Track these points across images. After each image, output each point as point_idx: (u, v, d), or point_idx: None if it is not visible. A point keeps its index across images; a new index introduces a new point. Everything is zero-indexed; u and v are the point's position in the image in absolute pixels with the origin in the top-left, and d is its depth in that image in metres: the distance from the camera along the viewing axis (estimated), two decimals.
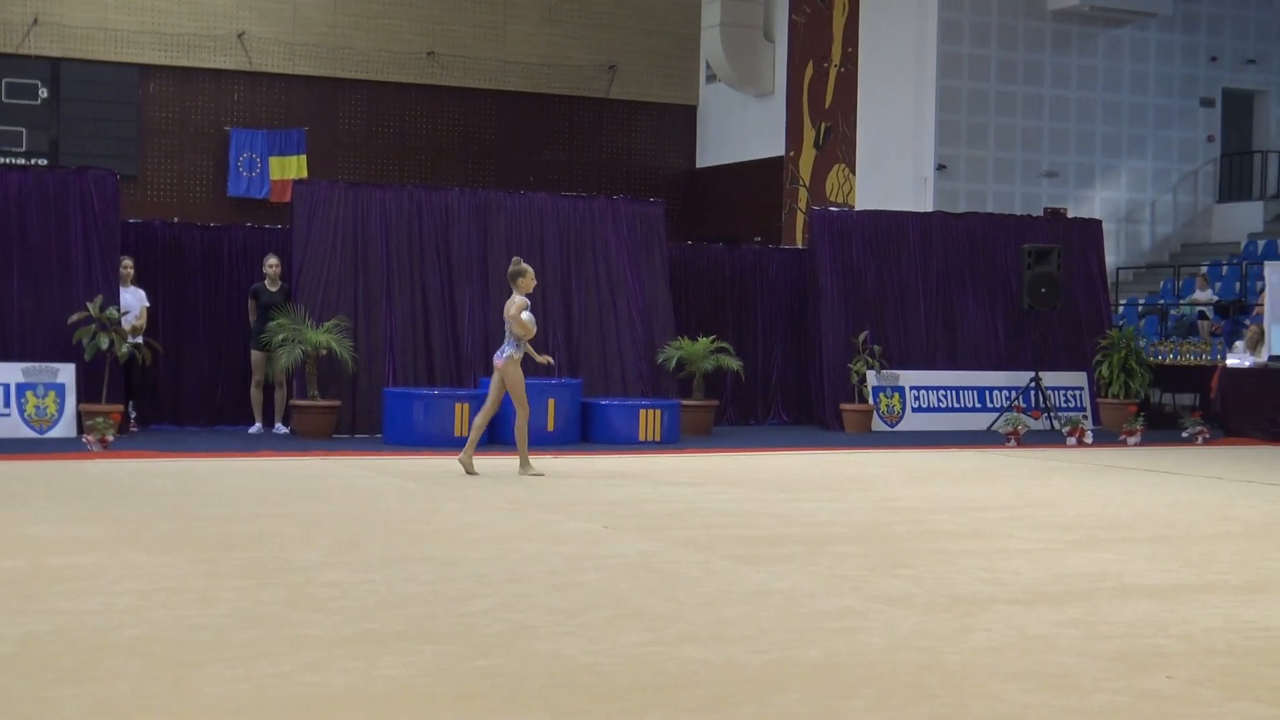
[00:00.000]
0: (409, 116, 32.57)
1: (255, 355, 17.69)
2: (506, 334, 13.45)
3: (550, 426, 17.08)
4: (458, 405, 16.71)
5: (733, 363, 19.36)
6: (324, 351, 17.17)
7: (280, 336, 17.09)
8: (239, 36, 31.02)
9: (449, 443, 16.34)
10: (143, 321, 17.40)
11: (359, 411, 17.82)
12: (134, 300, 17.37)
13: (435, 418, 16.66)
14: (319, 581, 7.65)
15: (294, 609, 6.91)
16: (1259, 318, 21.42)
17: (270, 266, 17.87)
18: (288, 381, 17.63)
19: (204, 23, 30.82)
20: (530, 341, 13.54)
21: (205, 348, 18.44)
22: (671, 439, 17.63)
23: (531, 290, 13.58)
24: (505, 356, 13.37)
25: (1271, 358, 19.91)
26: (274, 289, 17.83)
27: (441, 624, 6.66)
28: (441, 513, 10.76)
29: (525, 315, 13.36)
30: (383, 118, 32.34)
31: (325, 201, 18.28)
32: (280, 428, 17.73)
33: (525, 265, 13.70)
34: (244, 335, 18.06)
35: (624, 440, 17.25)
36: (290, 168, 30.61)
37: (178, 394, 18.30)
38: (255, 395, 17.84)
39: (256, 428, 17.75)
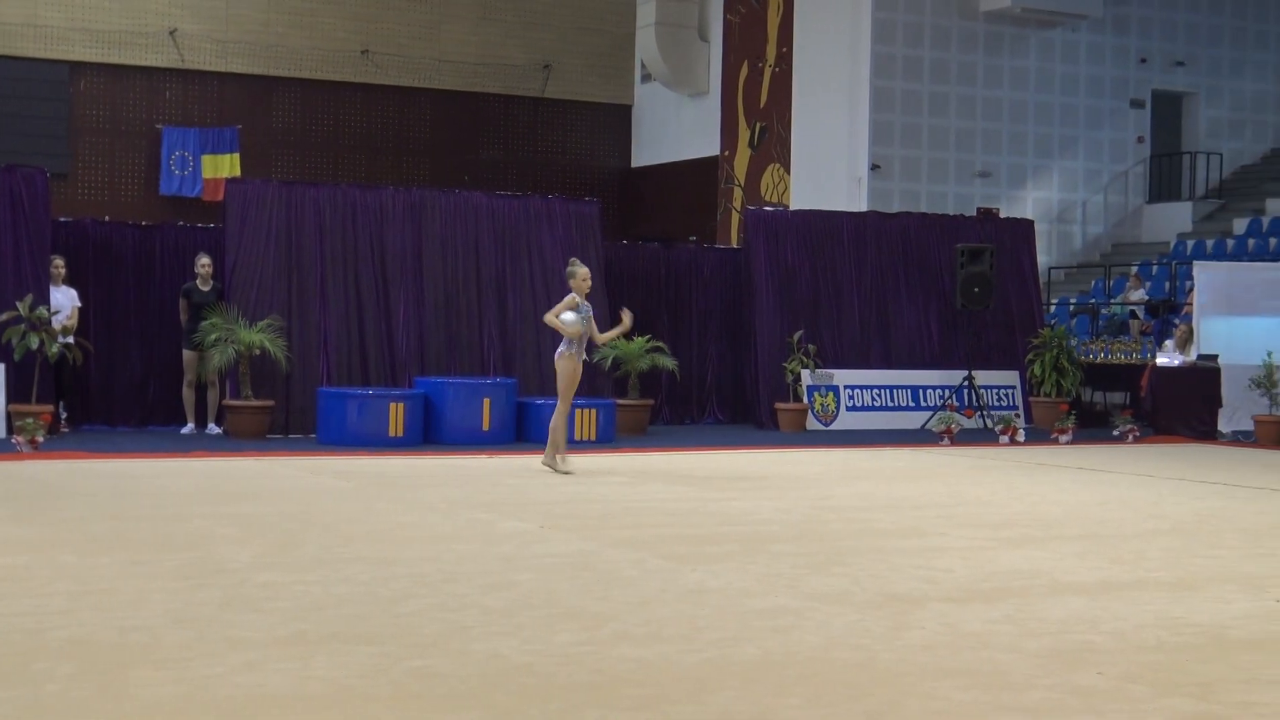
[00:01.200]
0: (343, 115, 32.43)
1: (187, 355, 17.56)
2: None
3: (485, 426, 17.06)
4: (392, 405, 16.65)
5: (668, 362, 19.39)
6: (257, 351, 17.07)
7: (213, 336, 16.98)
8: (171, 34, 30.79)
9: (383, 443, 16.31)
10: (73, 321, 17.23)
11: (293, 411, 17.72)
12: (65, 300, 17.20)
13: (369, 418, 16.59)
14: (253, 582, 7.60)
15: (227, 610, 6.87)
16: (1188, 317, 21.65)
17: (202, 266, 17.75)
18: (220, 381, 17.52)
19: (135, 20, 30.57)
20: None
21: (137, 348, 18.29)
22: (607, 438, 17.64)
23: (585, 290, 13.75)
24: (558, 352, 13.79)
25: (1201, 357, 20.12)
26: (206, 288, 17.71)
27: (376, 624, 6.63)
28: (376, 513, 10.72)
29: (566, 315, 13.57)
30: (317, 116, 32.19)
31: (258, 200, 18.17)
32: (213, 428, 17.61)
33: (574, 267, 13.94)
34: (176, 335, 17.91)
35: None
36: (223, 166, 30.42)
37: (109, 394, 18.14)
38: (188, 395, 17.70)
39: (189, 428, 17.62)
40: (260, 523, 9.98)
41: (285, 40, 31.70)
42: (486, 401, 17.15)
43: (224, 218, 18.40)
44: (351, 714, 5.20)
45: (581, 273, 13.80)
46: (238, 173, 29.51)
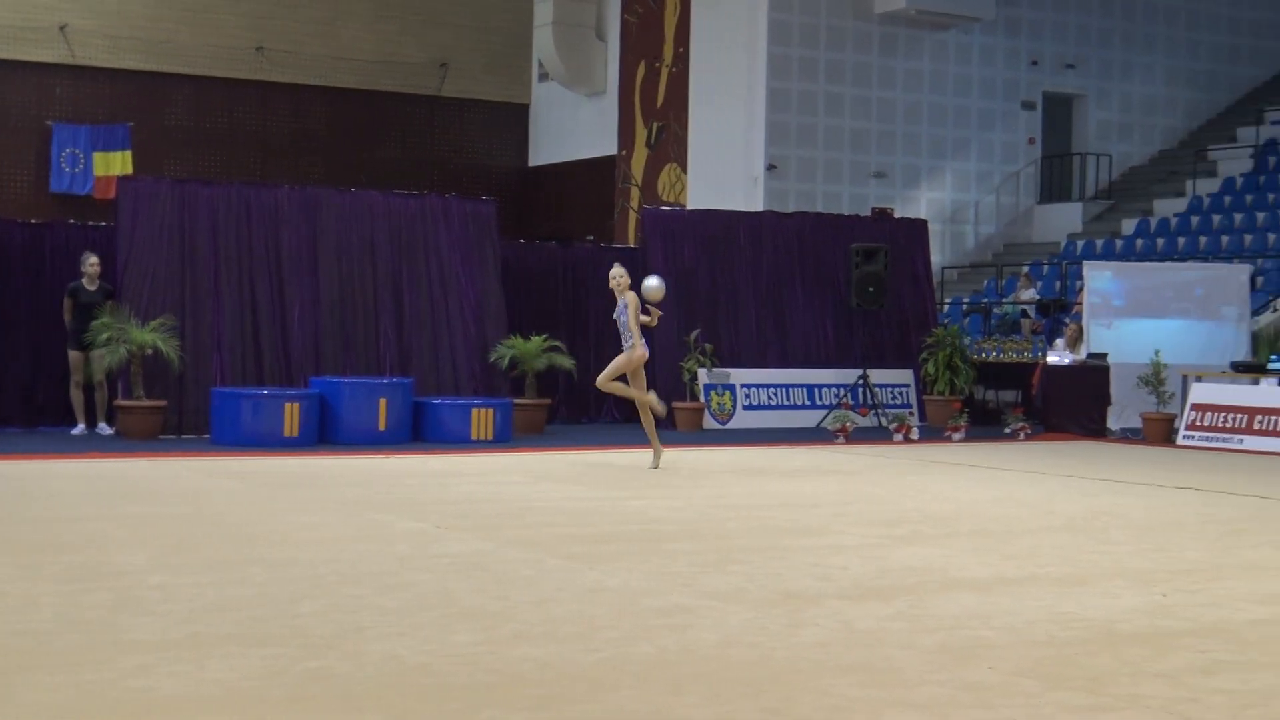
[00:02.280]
0: (237, 113, 32.10)
1: (74, 355, 17.30)
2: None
3: (381, 426, 16.97)
4: (287, 405, 16.52)
5: (565, 361, 19.37)
6: (150, 351, 16.88)
7: (105, 335, 16.77)
8: (61, 29, 30.32)
9: (278, 443, 16.19)
10: None
11: (186, 412, 17.54)
12: None
13: (264, 418, 16.45)
14: (145, 584, 7.52)
15: (119, 613, 6.79)
16: (1078, 316, 21.95)
17: (90, 265, 17.50)
18: (110, 381, 17.29)
19: (24, 14, 30.07)
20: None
21: (26, 347, 18.02)
22: (504, 438, 17.61)
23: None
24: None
25: (1090, 355, 20.41)
26: (93, 288, 17.47)
27: (272, 626, 6.58)
28: (272, 514, 10.64)
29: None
30: (210, 114, 31.83)
31: (151, 198, 17.96)
32: (104, 428, 17.37)
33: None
34: (66, 335, 17.64)
35: (456, 439, 17.20)
36: (115, 164, 30.00)
37: None
38: (76, 396, 17.45)
39: (80, 429, 17.37)
40: (153, 524, 9.87)
41: (178, 36, 31.32)
42: (382, 401, 17.06)
43: (116, 216, 18.18)
44: (246, 717, 5.16)
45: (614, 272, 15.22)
46: (130, 170, 29.12)
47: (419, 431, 17.48)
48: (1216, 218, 27.65)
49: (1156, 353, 19.44)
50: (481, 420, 17.47)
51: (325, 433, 16.90)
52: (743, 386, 20.82)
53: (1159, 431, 19.27)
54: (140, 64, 31.07)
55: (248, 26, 31.99)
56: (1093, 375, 20.15)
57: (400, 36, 33.48)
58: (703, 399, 20.32)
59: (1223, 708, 5.53)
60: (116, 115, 30.74)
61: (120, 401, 17.07)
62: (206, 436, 17.11)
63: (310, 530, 9.74)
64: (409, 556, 8.61)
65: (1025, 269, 27.70)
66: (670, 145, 30.02)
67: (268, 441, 16.18)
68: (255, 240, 18.36)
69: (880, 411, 20.93)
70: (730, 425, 20.45)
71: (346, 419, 16.98)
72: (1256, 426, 18.42)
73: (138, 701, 5.29)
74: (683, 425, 19.96)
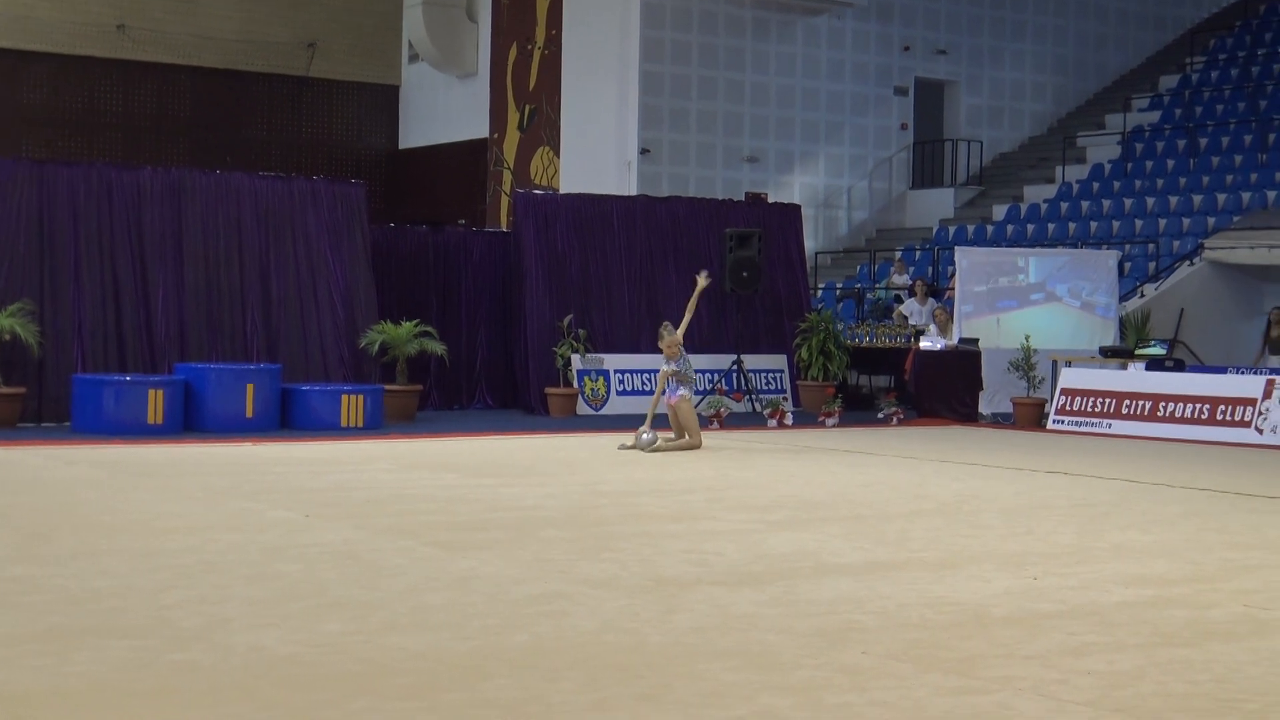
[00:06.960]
0: (98, 92, 31.48)
1: None
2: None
3: (249, 413, 16.72)
4: (151, 392, 16.22)
5: (436, 347, 19.22)
6: (7, 337, 16.50)
7: None
8: None
9: (141, 430, 15.91)
10: None
11: (45, 399, 17.16)
12: None
13: (127, 405, 16.14)
14: (3, 577, 7.34)
15: None
16: (950, 301, 22.17)
17: None
18: None
19: None
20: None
21: None
22: (374, 424, 17.43)
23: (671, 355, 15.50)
24: (680, 395, 15.52)
25: (962, 341, 20.62)
26: None
27: (136, 617, 6.44)
28: (135, 503, 10.44)
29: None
30: (70, 92, 31.19)
31: (8, 180, 17.54)
32: None
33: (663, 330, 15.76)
34: None
35: (326, 426, 17.00)
36: None
37: None
38: None
39: None
40: (12, 514, 9.65)
41: (36, 12, 30.65)
42: (250, 388, 16.81)
43: None
44: (111, 710, 5.03)
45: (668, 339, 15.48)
46: None
47: (287, 419, 17.24)
48: (1085, 204, 28.08)
49: (1026, 338, 19.68)
50: (351, 407, 17.27)
51: (190, 420, 16.62)
52: (616, 372, 20.78)
53: (1029, 416, 19.51)
54: None
55: (109, 4, 31.37)
56: (964, 360, 20.35)
57: (267, 16, 33.03)
58: (576, 384, 20.26)
59: (1091, 688, 5.59)
60: None
61: None
62: (67, 424, 16.76)
63: (175, 519, 9.56)
64: (277, 546, 8.48)
65: (898, 254, 27.96)
66: (542, 128, 29.92)
67: (131, 429, 15.88)
68: (117, 223, 18.00)
69: (754, 397, 20.99)
70: (604, 411, 20.41)
71: (212, 406, 16.71)
72: (1124, 411, 18.71)
73: None
74: (556, 411, 19.89)
